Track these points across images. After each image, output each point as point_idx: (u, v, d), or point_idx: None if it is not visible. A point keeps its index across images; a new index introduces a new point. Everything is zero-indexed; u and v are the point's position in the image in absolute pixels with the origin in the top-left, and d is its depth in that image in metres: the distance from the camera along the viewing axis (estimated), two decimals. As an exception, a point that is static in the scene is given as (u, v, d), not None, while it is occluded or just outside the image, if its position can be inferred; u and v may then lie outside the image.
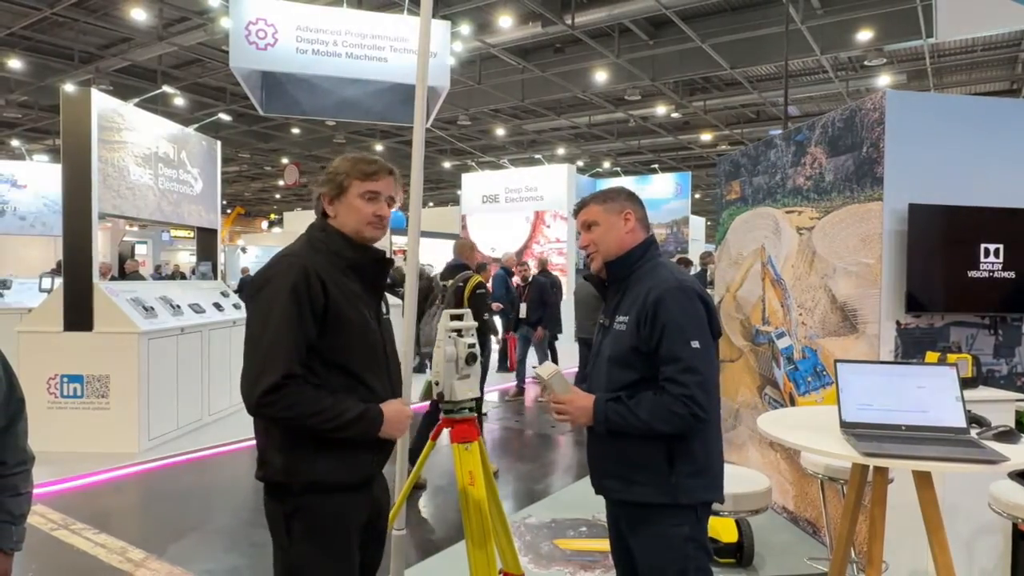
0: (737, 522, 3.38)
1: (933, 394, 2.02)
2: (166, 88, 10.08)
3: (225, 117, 13.88)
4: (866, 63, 11.66)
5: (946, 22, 6.23)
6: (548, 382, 1.86)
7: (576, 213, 1.99)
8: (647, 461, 1.79)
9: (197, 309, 6.37)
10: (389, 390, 1.82)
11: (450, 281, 4.91)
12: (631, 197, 1.95)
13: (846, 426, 2.04)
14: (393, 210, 1.88)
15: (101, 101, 5.51)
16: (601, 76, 12.25)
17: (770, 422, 2.19)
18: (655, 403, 1.73)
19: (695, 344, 1.71)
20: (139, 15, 9.85)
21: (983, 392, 2.99)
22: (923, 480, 2.01)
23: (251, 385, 1.57)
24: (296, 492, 1.67)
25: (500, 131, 16.94)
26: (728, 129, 16.44)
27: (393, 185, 1.80)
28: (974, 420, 2.06)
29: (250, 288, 1.68)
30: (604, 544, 3.73)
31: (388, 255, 1.94)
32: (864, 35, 10.00)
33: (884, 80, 12.56)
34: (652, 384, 1.76)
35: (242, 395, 1.60)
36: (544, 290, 8.13)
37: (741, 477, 2.62)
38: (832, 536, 3.13)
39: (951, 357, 2.91)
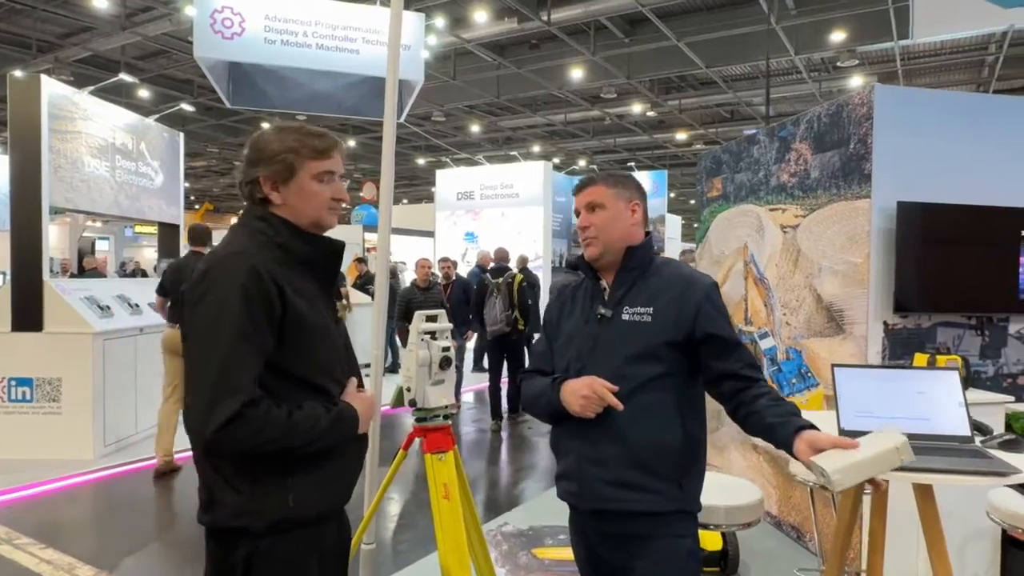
0: (721, 529, 3.27)
1: (934, 400, 1.92)
2: (124, 76, 9.65)
3: (188, 108, 13.45)
4: (839, 64, 11.74)
5: (922, 22, 6.23)
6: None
7: (579, 190, 1.81)
8: (663, 465, 1.66)
9: (158, 308, 6.09)
10: None
11: (500, 279, 6.73)
12: (640, 189, 1.82)
13: (844, 434, 1.91)
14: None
15: (52, 88, 5.21)
16: (577, 73, 12.15)
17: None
18: (770, 392, 1.66)
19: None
20: (101, 3, 9.48)
21: (973, 395, 2.91)
22: (924, 491, 1.91)
23: (203, 417, 1.27)
24: (258, 533, 1.38)
25: (475, 128, 16.75)
26: (703, 128, 16.48)
27: (342, 160, 1.56)
28: (975, 427, 1.96)
29: (189, 294, 1.37)
30: (583, 553, 3.61)
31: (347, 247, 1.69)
32: (837, 36, 10.06)
33: (856, 81, 12.68)
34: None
35: (189, 428, 1.32)
36: (468, 289, 7.44)
37: (732, 487, 2.49)
38: (822, 545, 3.03)
39: (941, 359, 2.82)
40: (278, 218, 1.47)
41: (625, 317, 1.71)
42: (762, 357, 3.98)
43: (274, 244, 1.44)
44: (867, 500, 2.08)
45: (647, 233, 1.81)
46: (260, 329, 1.33)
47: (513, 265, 8.88)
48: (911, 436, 1.91)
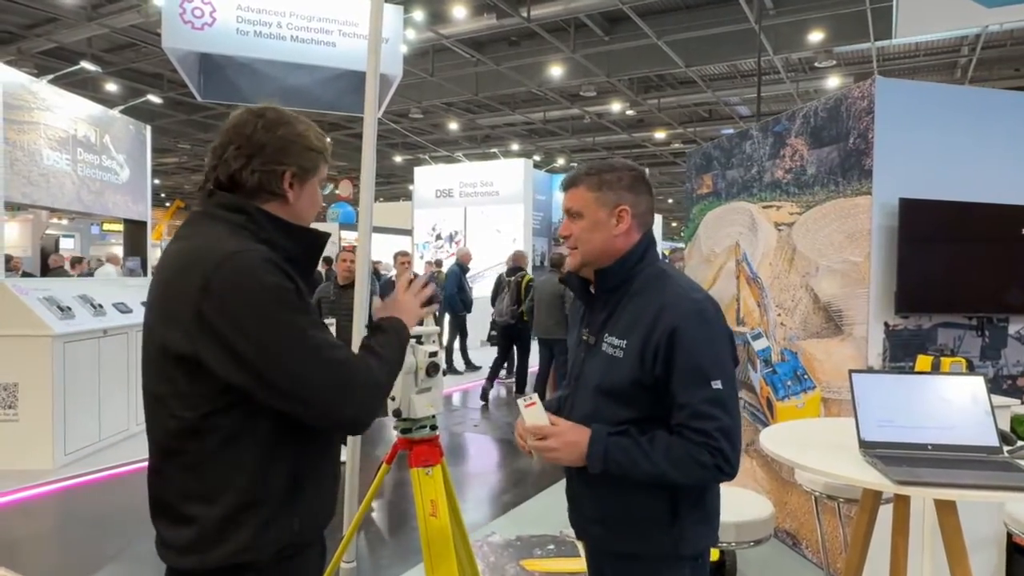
0: (717, 539, 3.14)
1: (960, 408, 1.80)
2: (87, 65, 9.27)
3: (156, 100, 13.03)
4: (816, 64, 11.78)
5: (906, 21, 6.19)
6: (524, 412, 1.51)
7: (562, 190, 1.59)
8: (647, 510, 1.45)
9: (123, 309, 5.81)
10: None
11: (512, 278, 7.74)
12: (634, 185, 1.52)
13: (866, 446, 1.79)
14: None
15: (6, 75, 4.92)
16: (556, 71, 12.04)
17: (779, 442, 1.93)
18: (674, 445, 1.37)
19: (716, 384, 1.37)
20: (65, -8, 9.09)
21: (977, 398, 2.82)
22: (947, 506, 1.79)
23: (349, 399, 1.21)
24: (262, 568, 1.23)
25: (453, 125, 16.54)
26: (681, 127, 16.47)
27: None
28: (1000, 436, 1.85)
29: (208, 305, 1.15)
30: (573, 564, 3.46)
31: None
32: (815, 36, 10.07)
33: (833, 82, 12.76)
34: (654, 425, 1.41)
35: (333, 418, 1.21)
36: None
37: (741, 501, 2.36)
38: (827, 557, 2.93)
39: (945, 362, 2.73)
40: (261, 211, 1.29)
41: (604, 347, 1.50)
42: (755, 359, 3.87)
43: (259, 240, 1.26)
44: (887, 519, 1.96)
45: (647, 237, 1.55)
46: (311, 312, 1.24)
47: (505, 265, 9.02)
48: (937, 446, 1.80)
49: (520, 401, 1.54)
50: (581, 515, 1.59)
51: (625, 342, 1.45)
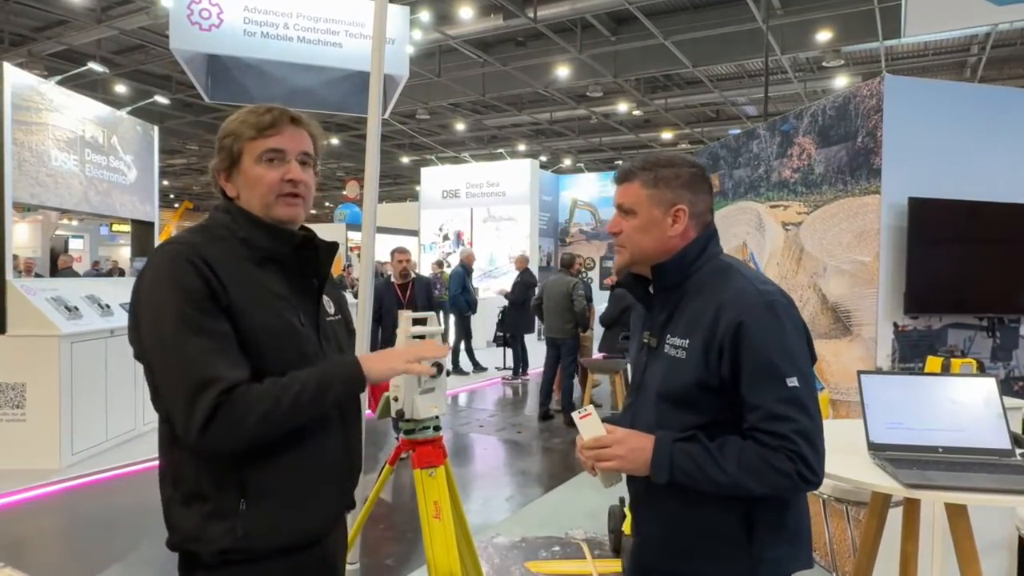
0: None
1: (971, 410, 1.77)
2: (94, 66, 9.34)
3: (163, 101, 13.10)
4: (824, 64, 11.73)
5: (914, 19, 6.13)
6: (579, 424, 1.40)
7: (616, 183, 1.46)
8: (718, 528, 1.31)
9: (130, 309, 5.82)
10: (337, 414, 1.37)
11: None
12: (693, 183, 1.40)
13: (875, 448, 1.77)
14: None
15: (16, 77, 4.95)
16: (563, 71, 12.03)
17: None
18: (747, 451, 1.24)
19: (791, 382, 1.24)
20: (75, -6, 9.15)
21: (988, 400, 2.78)
22: (957, 509, 1.76)
23: (185, 420, 1.14)
24: (209, 564, 1.22)
25: (460, 126, 16.55)
26: (688, 128, 16.43)
27: (305, 138, 1.33)
28: (1014, 439, 1.82)
29: (131, 309, 1.24)
30: (579, 567, 3.44)
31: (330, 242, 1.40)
32: (823, 35, 10.02)
33: (841, 81, 12.69)
34: (728, 430, 1.29)
35: (182, 437, 1.18)
36: (430, 290, 6.43)
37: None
38: (836, 561, 2.89)
39: (955, 363, 2.69)
40: (239, 209, 1.31)
41: (666, 349, 1.38)
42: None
43: (235, 238, 1.28)
44: (895, 523, 1.93)
45: (709, 232, 1.42)
46: (210, 316, 1.18)
47: (514, 267, 9.19)
48: (948, 449, 1.77)
49: (575, 414, 1.42)
50: (645, 542, 1.45)
51: (688, 341, 1.33)
